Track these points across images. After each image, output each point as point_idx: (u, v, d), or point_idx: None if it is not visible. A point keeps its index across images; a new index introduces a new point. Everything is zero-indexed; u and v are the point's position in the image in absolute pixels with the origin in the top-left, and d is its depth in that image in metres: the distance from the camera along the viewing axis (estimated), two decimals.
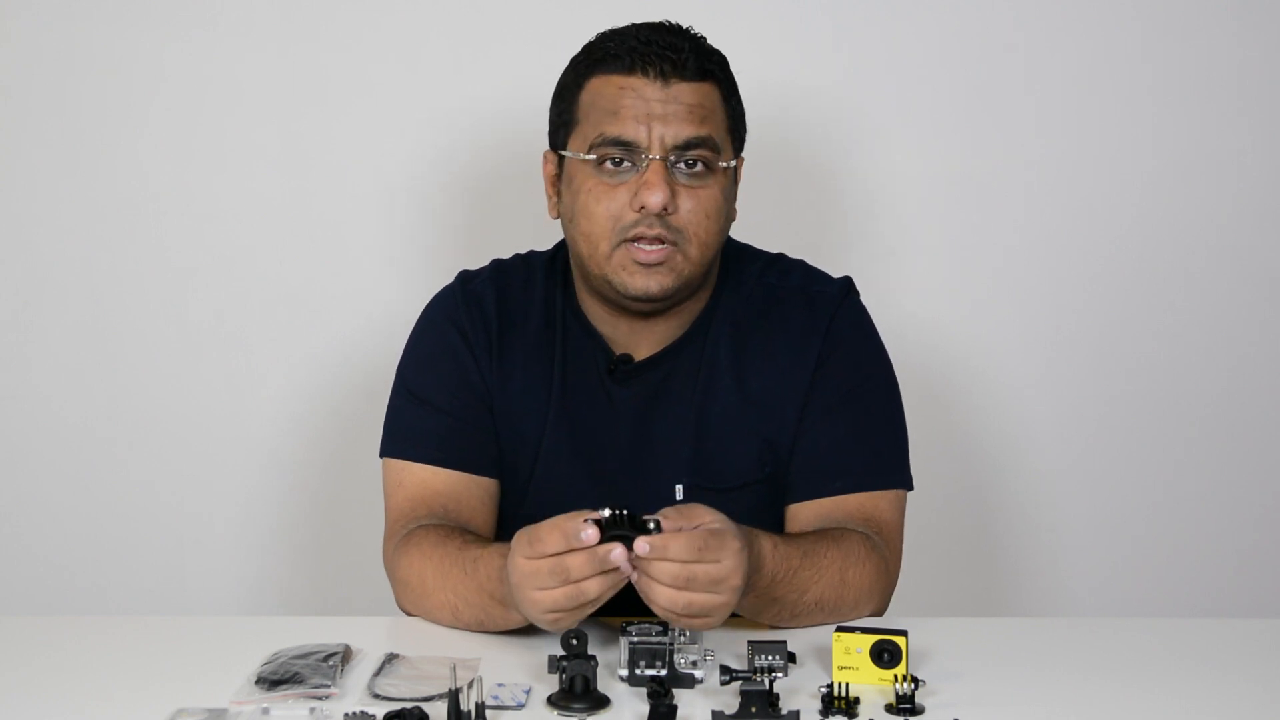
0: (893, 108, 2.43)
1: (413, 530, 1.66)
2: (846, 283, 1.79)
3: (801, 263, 1.82)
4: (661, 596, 1.37)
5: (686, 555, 1.36)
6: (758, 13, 2.40)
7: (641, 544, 1.36)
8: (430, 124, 2.42)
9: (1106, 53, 2.43)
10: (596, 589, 1.38)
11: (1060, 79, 2.43)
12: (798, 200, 2.44)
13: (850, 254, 2.42)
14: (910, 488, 1.74)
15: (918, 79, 2.42)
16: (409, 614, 1.66)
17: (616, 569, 1.37)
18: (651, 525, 1.38)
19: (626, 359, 1.73)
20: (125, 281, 2.45)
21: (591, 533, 1.37)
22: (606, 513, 1.38)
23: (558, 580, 1.38)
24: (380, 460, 1.76)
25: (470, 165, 2.43)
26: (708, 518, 1.41)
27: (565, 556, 1.37)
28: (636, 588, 1.39)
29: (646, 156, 1.62)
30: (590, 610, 1.41)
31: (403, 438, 1.74)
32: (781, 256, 1.82)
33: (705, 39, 1.69)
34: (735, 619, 1.55)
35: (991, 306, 2.47)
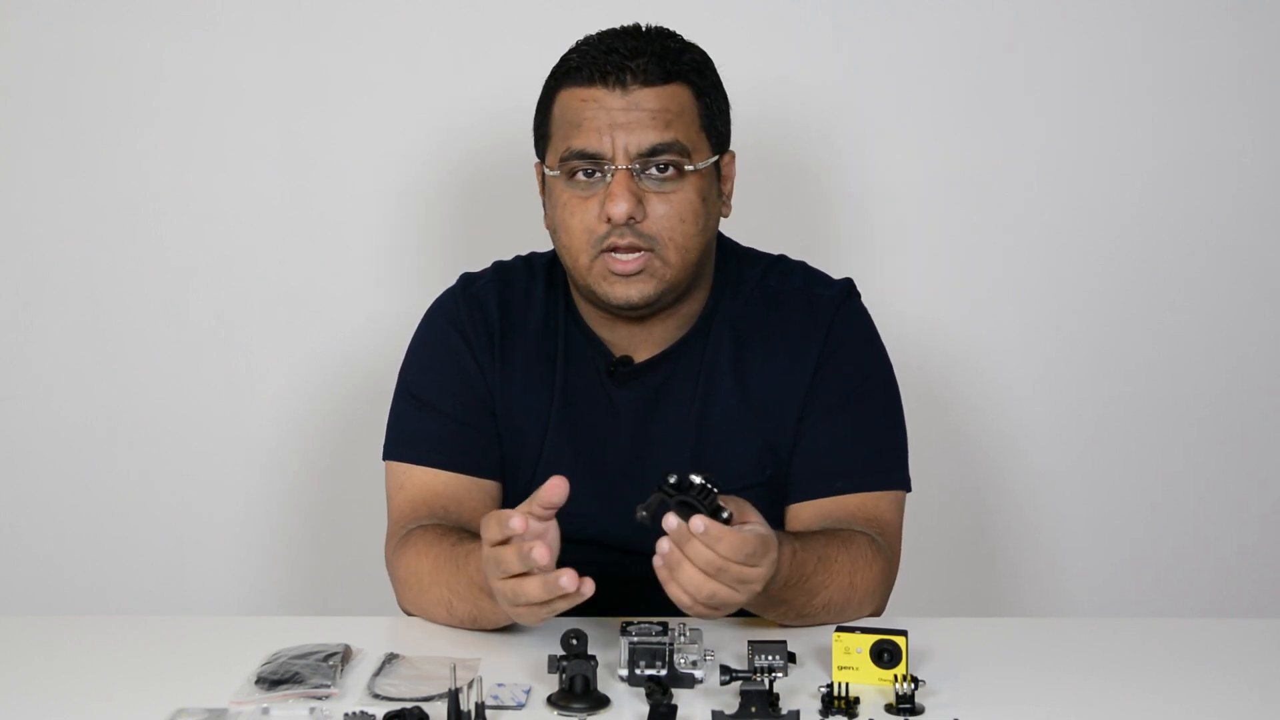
0: (893, 108, 2.43)
1: (411, 530, 1.66)
2: (847, 285, 1.79)
3: (802, 264, 1.82)
4: (689, 581, 1.36)
5: (734, 555, 1.35)
6: (757, 12, 2.40)
7: (698, 522, 1.33)
8: (430, 124, 2.42)
9: (1106, 53, 2.43)
10: (534, 590, 1.35)
11: (1060, 79, 2.43)
12: (797, 200, 2.44)
13: (849, 254, 2.42)
14: (909, 489, 1.74)
15: (918, 79, 2.42)
16: (409, 614, 1.66)
17: (561, 588, 1.33)
18: (725, 515, 1.35)
19: (626, 361, 1.73)
20: (125, 281, 2.45)
21: (517, 522, 1.34)
22: (698, 480, 1.35)
23: (500, 572, 1.37)
24: (383, 462, 1.76)
25: (470, 165, 2.42)
26: (754, 519, 1.40)
27: (499, 548, 1.37)
28: (657, 569, 1.37)
29: (611, 167, 1.62)
30: (553, 608, 1.38)
31: (405, 440, 1.74)
32: (782, 258, 1.82)
33: (678, 37, 1.68)
34: (736, 618, 1.55)
35: (991, 306, 2.47)
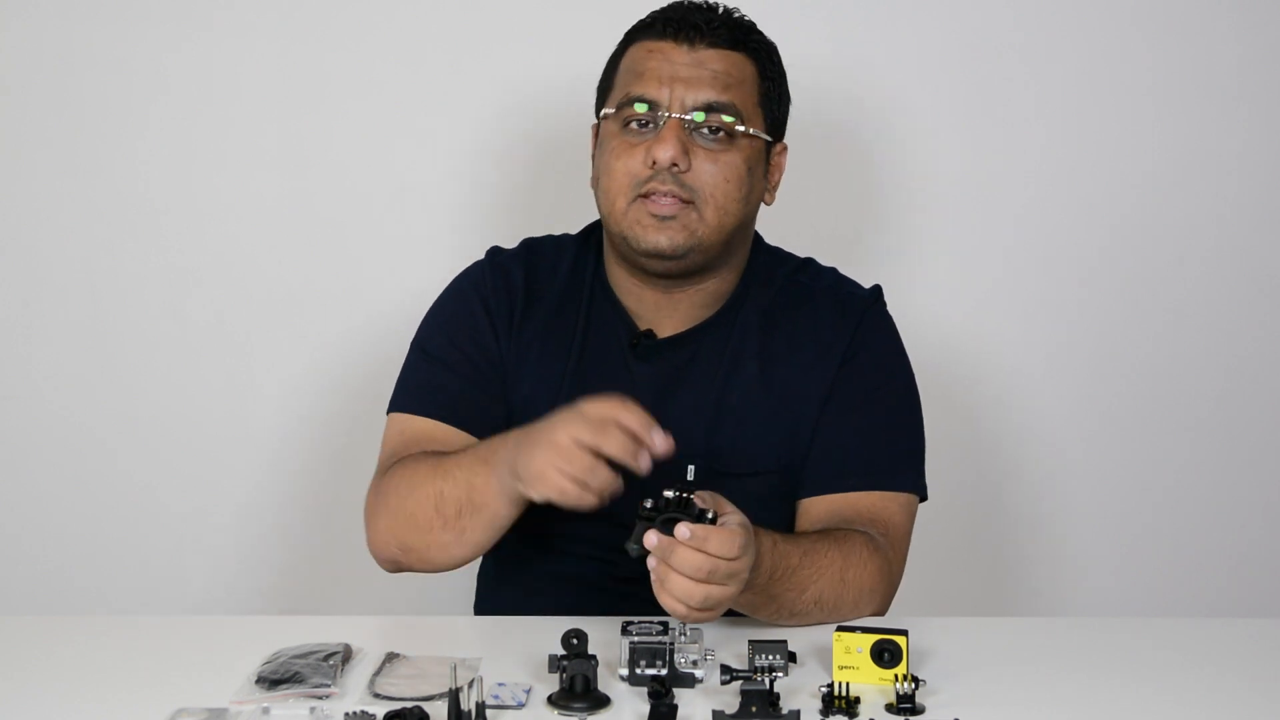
0: (894, 108, 2.43)
1: (406, 456, 1.67)
2: (876, 291, 1.81)
3: (833, 269, 1.85)
4: (680, 588, 1.37)
5: (724, 553, 1.36)
6: (758, 14, 2.39)
7: (683, 529, 1.36)
8: (431, 124, 2.42)
9: (1106, 53, 2.43)
10: (601, 479, 1.41)
11: (1060, 79, 2.43)
12: (798, 201, 2.44)
13: (851, 254, 2.42)
14: (923, 496, 1.75)
15: (918, 79, 2.42)
16: (380, 554, 1.66)
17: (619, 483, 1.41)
18: (710, 516, 1.38)
19: (650, 334, 1.74)
20: (125, 281, 2.45)
21: (661, 445, 1.41)
22: (670, 494, 1.39)
23: (592, 437, 1.40)
24: (386, 417, 1.76)
25: (471, 165, 2.42)
26: (729, 509, 1.42)
27: (616, 430, 1.40)
28: (653, 575, 1.38)
29: (665, 115, 1.64)
30: (584, 496, 1.42)
31: (411, 393, 1.75)
32: (811, 261, 1.85)
33: (753, 23, 1.73)
34: (736, 618, 1.55)
35: (992, 306, 2.47)
